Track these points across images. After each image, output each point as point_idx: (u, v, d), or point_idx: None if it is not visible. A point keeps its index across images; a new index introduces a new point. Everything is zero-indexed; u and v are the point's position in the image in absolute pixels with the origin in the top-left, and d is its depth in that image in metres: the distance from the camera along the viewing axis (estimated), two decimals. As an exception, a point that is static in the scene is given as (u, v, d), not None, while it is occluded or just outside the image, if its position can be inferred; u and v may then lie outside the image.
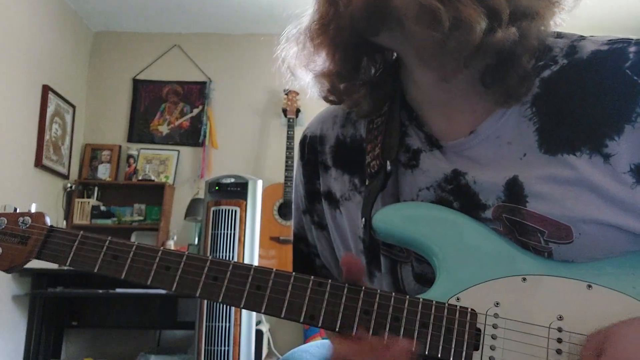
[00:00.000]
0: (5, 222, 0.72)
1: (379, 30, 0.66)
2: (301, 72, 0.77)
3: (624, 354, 0.53)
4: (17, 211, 0.74)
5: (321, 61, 0.74)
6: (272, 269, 0.65)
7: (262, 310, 0.63)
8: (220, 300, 0.64)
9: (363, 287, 0.63)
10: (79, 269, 0.69)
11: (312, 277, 0.64)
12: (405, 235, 0.68)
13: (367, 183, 0.75)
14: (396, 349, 0.59)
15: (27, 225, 0.72)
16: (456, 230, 0.66)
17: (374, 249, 0.76)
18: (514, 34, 0.61)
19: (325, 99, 0.78)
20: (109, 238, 0.69)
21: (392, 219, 0.69)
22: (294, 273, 0.65)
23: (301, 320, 0.62)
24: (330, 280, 0.64)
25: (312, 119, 0.89)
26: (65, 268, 3.27)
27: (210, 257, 0.67)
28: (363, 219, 0.72)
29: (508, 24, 0.61)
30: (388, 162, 0.72)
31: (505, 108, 0.67)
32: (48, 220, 0.73)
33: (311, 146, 0.86)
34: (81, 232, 0.71)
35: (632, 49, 0.64)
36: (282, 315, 0.63)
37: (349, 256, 0.64)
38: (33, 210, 0.74)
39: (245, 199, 2.86)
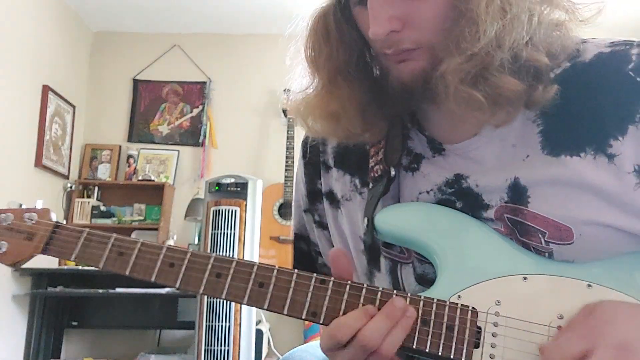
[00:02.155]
0: (12, 217, 0.73)
1: (420, 102, 0.67)
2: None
3: (608, 314, 0.56)
4: (23, 207, 0.75)
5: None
6: (275, 266, 0.65)
7: (265, 307, 0.64)
8: (223, 297, 0.65)
9: (365, 285, 0.63)
10: (84, 264, 0.70)
11: (315, 274, 0.64)
12: (407, 235, 0.68)
13: (370, 187, 0.75)
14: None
15: (34, 222, 0.73)
16: (457, 230, 0.67)
17: (375, 250, 0.76)
18: (556, 90, 0.63)
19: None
20: (114, 235, 0.70)
21: (393, 219, 0.69)
22: (296, 270, 0.65)
23: (303, 317, 0.63)
24: (332, 278, 0.64)
25: None
26: (66, 267, 3.28)
27: (214, 255, 0.67)
28: (365, 219, 0.72)
29: (548, 78, 0.63)
30: (392, 169, 0.72)
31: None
32: (54, 217, 0.74)
33: (313, 146, 0.87)
34: (87, 229, 0.71)
35: (635, 50, 0.64)
36: (285, 312, 0.63)
37: (337, 251, 0.65)
38: (39, 206, 0.75)
39: (245, 199, 2.86)
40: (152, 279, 0.67)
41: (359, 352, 0.59)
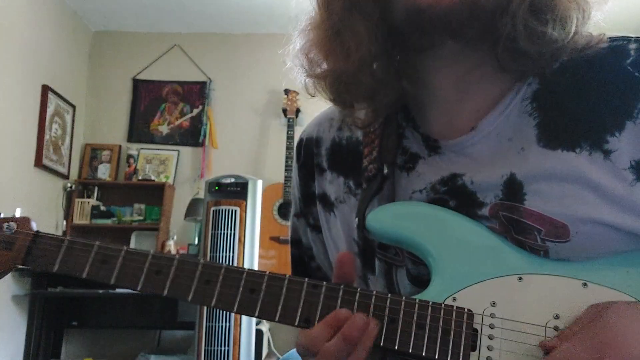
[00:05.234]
0: None
1: (471, 34, 0.62)
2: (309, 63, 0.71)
3: (620, 324, 0.54)
4: (2, 216, 0.72)
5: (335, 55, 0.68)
6: (266, 272, 0.64)
7: (256, 315, 0.62)
8: (213, 304, 0.63)
9: (359, 289, 0.62)
10: (67, 274, 0.67)
11: (307, 279, 0.63)
12: (399, 234, 0.67)
13: (363, 186, 0.74)
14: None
15: (12, 231, 0.69)
16: (451, 229, 0.66)
17: (369, 252, 0.75)
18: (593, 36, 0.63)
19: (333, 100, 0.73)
20: (97, 242, 0.68)
21: (385, 218, 0.68)
22: (287, 275, 0.64)
23: (296, 323, 0.61)
24: (325, 282, 0.63)
25: (310, 122, 0.89)
26: (65, 268, 3.28)
27: (202, 261, 0.65)
28: (357, 219, 0.71)
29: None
30: (385, 166, 0.71)
31: (520, 83, 0.67)
32: (34, 225, 0.71)
33: (307, 149, 0.86)
34: (68, 237, 0.69)
35: (633, 45, 0.64)
36: (276, 319, 0.62)
37: (345, 254, 0.64)
38: (18, 214, 0.72)
39: (245, 199, 2.86)
40: (139, 288, 0.65)
41: None
